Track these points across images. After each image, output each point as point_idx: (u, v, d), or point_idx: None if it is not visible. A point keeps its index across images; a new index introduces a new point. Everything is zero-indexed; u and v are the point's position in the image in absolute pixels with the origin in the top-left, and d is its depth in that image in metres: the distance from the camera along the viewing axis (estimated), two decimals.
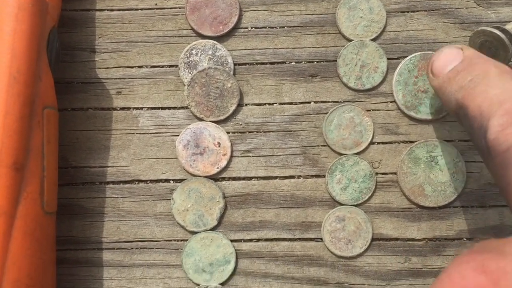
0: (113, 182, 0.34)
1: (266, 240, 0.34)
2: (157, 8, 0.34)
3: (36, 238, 0.29)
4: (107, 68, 0.34)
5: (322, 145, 0.34)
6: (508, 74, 0.28)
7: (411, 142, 0.34)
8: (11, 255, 0.27)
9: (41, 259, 0.29)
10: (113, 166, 0.34)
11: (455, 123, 0.34)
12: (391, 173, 0.34)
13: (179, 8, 0.34)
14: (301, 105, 0.35)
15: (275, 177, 0.34)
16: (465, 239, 0.34)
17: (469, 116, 0.27)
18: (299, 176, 0.34)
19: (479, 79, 0.28)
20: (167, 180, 0.34)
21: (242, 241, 0.34)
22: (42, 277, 0.29)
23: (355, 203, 0.34)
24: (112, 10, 0.34)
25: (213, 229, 0.34)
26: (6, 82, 0.27)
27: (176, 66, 0.34)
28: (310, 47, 0.35)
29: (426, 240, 0.34)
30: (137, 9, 0.34)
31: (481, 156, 0.28)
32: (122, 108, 0.34)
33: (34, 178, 0.29)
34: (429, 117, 0.34)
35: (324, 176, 0.34)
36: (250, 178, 0.34)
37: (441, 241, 0.34)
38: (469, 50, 0.30)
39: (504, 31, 0.32)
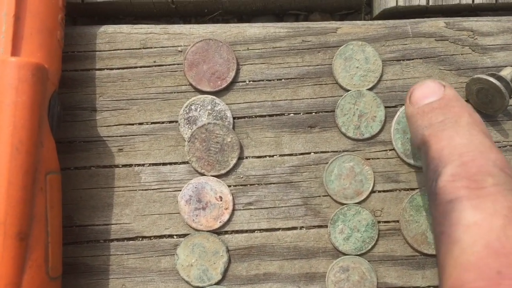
0: (117, 240, 0.34)
1: None
2: (155, 65, 0.35)
3: None
4: (108, 126, 0.35)
5: (323, 195, 0.35)
6: (478, 126, 0.28)
7: (412, 189, 0.35)
8: None
9: None
10: (116, 224, 0.34)
11: None
12: (394, 221, 0.34)
13: (178, 64, 0.35)
14: (301, 156, 0.35)
15: (278, 229, 0.34)
16: None
17: (428, 155, 0.28)
18: (301, 227, 0.34)
19: (450, 123, 0.28)
20: (170, 236, 0.34)
21: None
22: None
23: (358, 253, 0.34)
24: (111, 69, 0.35)
25: (218, 283, 0.34)
26: (9, 154, 0.28)
27: (176, 121, 0.35)
28: (308, 98, 0.35)
29: (431, 287, 0.34)
30: (136, 67, 0.35)
31: (428, 197, 0.28)
32: (124, 165, 0.35)
33: (38, 245, 0.29)
34: None
35: (326, 226, 0.34)
36: (253, 231, 0.34)
37: None
38: (450, 90, 0.30)
39: (500, 78, 0.33)
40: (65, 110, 0.35)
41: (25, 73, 0.28)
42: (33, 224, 0.29)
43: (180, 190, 0.34)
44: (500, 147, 0.35)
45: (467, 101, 0.35)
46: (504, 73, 0.33)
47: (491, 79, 0.32)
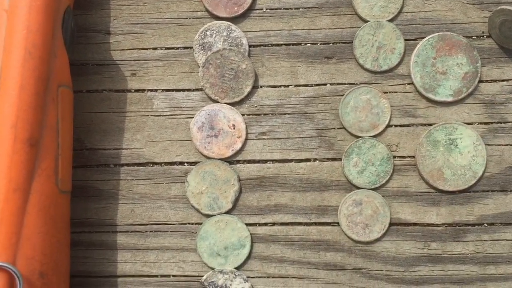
0: (127, 165, 0.34)
1: (282, 224, 0.34)
2: None
3: (51, 216, 0.28)
4: (122, 50, 0.34)
5: (338, 128, 0.34)
6: None
7: (430, 125, 0.34)
8: (26, 230, 0.27)
9: (56, 238, 0.29)
10: (127, 148, 0.34)
11: (475, 105, 0.34)
12: (409, 157, 0.34)
13: None
14: (317, 87, 0.34)
15: (291, 160, 0.34)
16: (485, 225, 0.33)
17: None
18: (315, 159, 0.34)
19: None
20: (181, 163, 0.34)
21: (257, 225, 0.34)
22: (56, 256, 0.29)
23: (372, 187, 0.33)
24: None
25: (228, 212, 0.33)
26: (22, 57, 0.27)
27: (191, 47, 0.34)
28: (325, 29, 0.34)
29: (446, 225, 0.33)
30: None
31: None
32: (137, 90, 0.34)
33: (48, 155, 0.28)
34: (448, 99, 0.34)
35: (340, 159, 0.34)
36: (265, 161, 0.34)
37: (461, 227, 0.33)
38: None
39: None
40: (79, 32, 0.34)
41: None
42: (44, 132, 0.28)
43: (193, 117, 0.34)
44: None
45: (489, 36, 0.34)
46: None
47: None
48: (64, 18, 0.30)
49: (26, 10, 0.27)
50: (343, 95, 0.34)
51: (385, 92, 0.34)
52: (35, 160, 0.28)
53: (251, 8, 0.34)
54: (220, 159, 0.34)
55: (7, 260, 0.26)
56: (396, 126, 0.34)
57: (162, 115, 0.34)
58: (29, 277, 0.27)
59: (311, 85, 0.34)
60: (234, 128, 0.34)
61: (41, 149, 0.28)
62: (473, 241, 0.33)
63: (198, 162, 0.34)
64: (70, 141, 0.30)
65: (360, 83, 0.34)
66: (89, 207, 0.34)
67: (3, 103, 0.27)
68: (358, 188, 0.33)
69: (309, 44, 0.34)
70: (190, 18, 0.34)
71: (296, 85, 0.34)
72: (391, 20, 0.34)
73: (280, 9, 0.34)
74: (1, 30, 0.28)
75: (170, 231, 0.34)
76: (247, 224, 0.33)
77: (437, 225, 0.33)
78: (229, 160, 0.34)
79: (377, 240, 0.33)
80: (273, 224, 0.34)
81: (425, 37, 0.34)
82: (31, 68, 0.27)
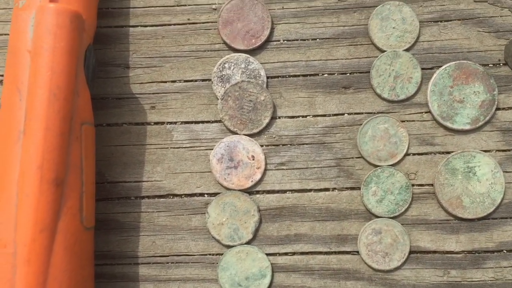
0: (148, 197, 0.34)
1: (302, 253, 0.34)
2: (189, 23, 0.35)
3: (76, 253, 0.29)
4: (141, 83, 0.35)
5: (356, 157, 0.34)
6: None
7: (448, 153, 0.34)
8: (52, 270, 0.27)
9: (81, 275, 0.29)
10: (148, 181, 0.34)
11: (492, 133, 0.34)
12: (428, 185, 0.34)
13: (212, 22, 0.35)
14: (335, 117, 0.34)
15: (310, 190, 0.34)
16: (505, 251, 0.33)
17: None
18: (334, 189, 0.34)
19: None
20: (201, 194, 0.34)
21: (278, 254, 0.34)
22: None
23: (391, 216, 0.34)
24: (145, 26, 0.35)
25: (248, 242, 0.34)
26: (46, 99, 0.28)
27: (209, 80, 0.35)
28: (342, 59, 0.34)
29: (465, 252, 0.33)
30: (170, 25, 0.35)
31: None
32: (156, 123, 0.35)
33: (73, 193, 0.29)
34: (466, 127, 0.34)
35: (359, 188, 0.34)
36: (285, 191, 0.34)
37: (480, 254, 0.33)
38: None
39: None
40: (98, 67, 0.35)
41: (63, 19, 0.28)
42: (69, 172, 0.29)
43: (212, 149, 0.34)
44: None
45: (505, 64, 0.34)
46: None
47: None
48: (86, 56, 0.30)
49: (50, 51, 0.28)
50: (361, 124, 0.34)
51: (403, 121, 0.34)
52: (60, 200, 0.28)
53: (268, 40, 0.35)
54: (240, 190, 0.34)
55: None
56: (414, 154, 0.34)
57: (182, 147, 0.34)
58: None
59: (329, 115, 0.34)
60: (253, 159, 0.34)
61: (66, 188, 0.28)
62: (493, 268, 0.33)
63: (218, 193, 0.34)
64: (93, 177, 0.31)
65: (378, 113, 0.34)
66: (111, 240, 0.34)
67: (29, 144, 0.28)
68: (377, 217, 0.34)
69: (326, 75, 0.34)
70: (208, 51, 0.35)
71: (314, 115, 0.34)
72: (407, 50, 0.34)
73: (297, 40, 0.35)
74: (24, 71, 0.29)
75: (191, 262, 0.34)
76: (267, 254, 0.34)
77: (457, 253, 0.33)
78: (249, 191, 0.34)
79: (397, 268, 0.33)
80: (293, 253, 0.34)
81: (441, 66, 0.34)
82: (56, 109, 0.28)
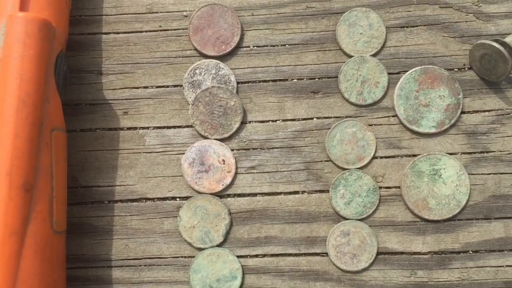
0: (121, 201, 0.35)
1: (272, 255, 0.35)
2: (161, 30, 0.35)
3: (47, 257, 0.29)
4: (114, 89, 0.35)
5: (325, 160, 0.35)
6: None
7: (414, 155, 0.35)
8: (22, 273, 0.28)
9: (51, 278, 0.30)
10: (121, 185, 0.35)
11: (458, 136, 0.35)
12: (395, 187, 0.35)
13: (183, 29, 0.35)
14: (304, 121, 0.35)
15: (280, 193, 0.35)
16: (470, 252, 0.34)
17: None
18: (303, 192, 0.35)
19: None
20: (173, 198, 0.35)
21: (248, 256, 0.35)
22: None
23: (359, 218, 0.34)
24: (118, 33, 0.35)
25: (220, 245, 0.34)
26: (15, 106, 0.28)
27: (181, 85, 0.35)
28: (311, 64, 0.35)
29: (432, 253, 0.34)
30: (141, 31, 0.35)
31: None
32: (129, 128, 0.35)
33: (43, 198, 0.29)
34: (431, 130, 0.35)
35: (328, 191, 0.35)
36: (255, 195, 0.35)
37: (446, 254, 0.34)
38: None
39: (504, 44, 0.33)
40: (71, 73, 0.35)
41: (32, 27, 0.29)
42: (39, 177, 0.29)
43: (184, 153, 0.35)
44: (502, 114, 0.35)
45: (470, 68, 0.35)
46: (508, 39, 0.33)
47: (495, 44, 0.32)
48: (57, 62, 0.31)
49: (19, 59, 0.29)
50: (329, 128, 0.35)
51: (370, 125, 0.35)
52: (30, 204, 0.29)
53: (238, 46, 0.35)
54: (211, 193, 0.35)
55: None
56: (381, 157, 0.35)
57: (154, 152, 0.35)
58: None
59: (298, 119, 0.35)
60: (224, 163, 0.35)
61: (35, 193, 0.29)
62: (459, 268, 0.34)
63: (190, 197, 0.35)
64: (64, 182, 0.31)
65: (346, 117, 0.35)
66: (84, 243, 0.35)
67: None
68: (346, 219, 0.34)
69: (295, 80, 0.35)
70: (179, 57, 0.35)
71: (283, 120, 0.35)
72: (374, 55, 0.35)
73: (266, 46, 0.35)
74: None
75: (164, 265, 0.34)
76: (238, 256, 0.34)
77: (423, 253, 0.34)
78: (220, 195, 0.35)
79: (365, 269, 0.34)
80: (264, 255, 0.35)
81: (407, 71, 0.35)
82: (24, 116, 0.28)
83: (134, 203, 0.35)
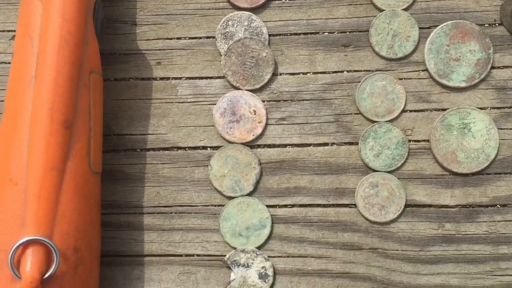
0: (153, 149, 0.35)
1: (301, 206, 0.35)
2: None
3: (84, 194, 0.30)
4: (148, 40, 0.36)
5: (355, 113, 0.35)
6: None
7: (443, 109, 0.35)
8: (61, 207, 0.29)
9: (89, 215, 0.30)
10: (153, 134, 0.35)
11: (487, 90, 0.35)
12: (424, 141, 0.35)
13: None
14: (334, 74, 0.35)
15: (309, 145, 0.35)
16: (498, 206, 0.34)
17: None
18: (332, 144, 0.35)
19: None
20: (204, 147, 0.35)
21: (277, 206, 0.35)
22: (89, 233, 0.30)
23: (388, 170, 0.35)
24: None
25: (249, 194, 0.35)
26: (57, 44, 0.29)
27: (213, 37, 0.36)
28: (342, 18, 0.36)
29: (460, 206, 0.34)
30: None
31: None
32: (162, 78, 0.36)
33: (82, 137, 0.30)
34: (462, 85, 0.35)
35: (357, 143, 0.35)
36: (285, 146, 0.35)
37: (474, 208, 0.34)
38: None
39: None
40: (107, 23, 0.36)
41: None
42: (78, 117, 0.30)
43: (215, 104, 0.35)
44: None
45: (500, 24, 0.35)
46: None
47: None
48: (95, 8, 0.32)
49: (61, 0, 0.29)
50: (359, 81, 0.35)
51: (400, 79, 0.35)
52: (69, 142, 0.29)
53: None
54: (242, 143, 0.35)
55: (45, 235, 0.28)
56: (411, 111, 0.35)
57: (186, 102, 0.36)
58: (65, 251, 0.29)
59: (329, 73, 0.35)
60: (255, 114, 0.35)
61: (75, 131, 0.30)
62: (486, 221, 0.34)
63: (221, 146, 0.35)
64: (101, 125, 0.32)
65: (376, 70, 0.35)
66: (117, 190, 0.35)
67: (40, 87, 0.29)
68: (375, 171, 0.35)
69: (326, 33, 0.36)
70: (212, 9, 0.36)
71: (314, 73, 0.35)
72: (406, 9, 0.35)
73: None
74: (36, 19, 0.30)
75: (194, 213, 0.35)
76: (267, 206, 0.35)
77: (451, 207, 0.34)
78: (250, 145, 0.35)
79: (393, 221, 0.35)
80: (293, 205, 0.35)
81: (438, 25, 0.35)
82: (66, 54, 0.29)
83: (166, 151, 0.35)
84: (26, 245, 0.28)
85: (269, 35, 0.35)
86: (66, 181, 0.29)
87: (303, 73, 0.36)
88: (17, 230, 0.28)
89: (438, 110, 0.35)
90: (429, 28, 0.35)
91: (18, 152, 0.29)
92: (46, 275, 0.28)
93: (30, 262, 0.27)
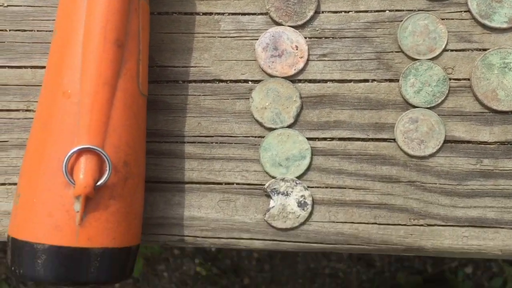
0: (195, 81, 0.36)
1: (340, 139, 0.35)
2: None
3: (134, 113, 0.31)
4: None
5: (396, 51, 0.36)
6: None
7: (484, 50, 0.35)
8: (113, 122, 0.29)
9: (137, 134, 0.31)
10: (195, 66, 0.36)
11: None
12: (464, 79, 0.35)
13: None
14: (376, 13, 0.36)
15: (350, 81, 0.36)
16: None
17: None
18: (373, 80, 0.36)
19: None
20: (246, 81, 0.36)
21: (317, 139, 0.36)
22: (137, 149, 0.31)
23: (428, 106, 0.35)
24: None
25: (290, 126, 0.35)
26: None
27: None
28: None
29: (498, 143, 0.35)
30: None
31: None
32: (205, 13, 0.36)
33: (132, 58, 0.31)
34: (503, 25, 0.35)
35: (397, 80, 0.35)
36: (326, 81, 0.36)
37: None
38: None
39: None
40: None
41: None
42: (128, 37, 0.31)
43: (257, 39, 0.36)
44: None
45: None
46: None
47: None
48: None
49: None
50: (401, 21, 0.35)
51: (442, 19, 0.35)
52: (121, 61, 0.30)
53: None
54: (283, 77, 0.36)
55: (97, 145, 0.29)
56: (452, 50, 0.35)
57: (229, 37, 0.36)
58: (115, 164, 0.29)
59: (371, 11, 0.36)
60: (297, 49, 0.36)
61: (125, 51, 0.30)
62: None
63: (262, 80, 0.36)
64: (147, 50, 0.33)
65: (418, 10, 0.36)
66: (159, 119, 0.36)
67: (94, 7, 0.30)
68: (414, 107, 0.35)
69: None
70: None
71: (356, 11, 0.36)
72: None
73: None
74: None
75: (235, 143, 0.36)
76: (307, 139, 0.35)
77: (490, 143, 0.35)
78: (292, 79, 0.36)
79: (432, 155, 0.35)
80: (332, 139, 0.36)
81: None
82: None
83: (208, 84, 0.36)
84: (79, 153, 0.28)
85: None
86: (117, 98, 0.30)
87: (345, 12, 0.36)
88: (71, 140, 0.29)
89: (479, 50, 0.35)
90: None
91: (71, 68, 0.29)
92: (99, 183, 0.28)
93: (84, 169, 0.28)
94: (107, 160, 0.29)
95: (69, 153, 0.28)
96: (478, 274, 0.82)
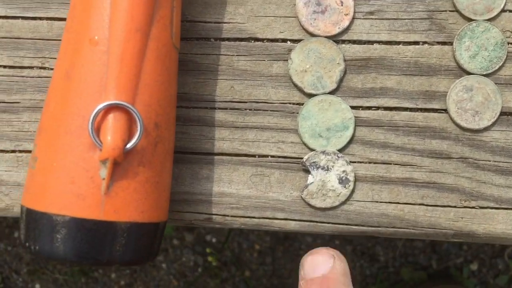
0: (228, 39, 0.32)
1: (386, 108, 0.32)
2: None
3: (167, 67, 0.27)
4: None
5: (450, 10, 0.32)
6: None
7: None
8: (144, 76, 0.26)
9: (169, 91, 0.27)
10: (229, 22, 0.32)
11: None
12: None
13: None
14: None
15: (399, 42, 0.32)
16: None
17: None
18: (424, 42, 0.32)
19: None
20: (284, 40, 0.32)
21: (361, 108, 0.32)
22: (169, 111, 0.27)
23: (484, 73, 0.32)
24: None
25: (332, 92, 0.32)
26: None
27: None
28: None
29: None
30: None
31: None
32: None
33: (165, 4, 0.27)
34: None
35: (451, 43, 0.32)
36: (372, 42, 0.32)
37: None
38: (340, 263, 0.27)
39: None
40: None
41: None
42: None
43: None
44: None
45: None
46: None
47: None
48: None
49: None
50: None
51: None
52: (154, 5, 0.26)
53: None
54: (326, 36, 0.32)
55: (128, 101, 0.25)
56: (511, 11, 0.32)
57: None
58: (146, 125, 0.26)
59: None
60: (341, 5, 0.32)
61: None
62: None
63: (302, 39, 0.32)
64: (181, 1, 0.29)
65: None
66: (187, 82, 0.32)
67: None
68: (469, 73, 0.32)
69: None
70: None
71: None
72: None
73: None
74: None
75: (271, 110, 0.32)
76: (350, 107, 0.32)
77: None
78: (335, 39, 0.32)
79: (486, 128, 0.32)
80: (378, 108, 0.32)
81: None
82: None
83: (243, 42, 0.32)
84: (107, 110, 0.25)
85: None
86: (150, 48, 0.26)
87: None
88: (97, 95, 0.25)
89: None
90: None
91: (99, 10, 0.25)
92: (128, 145, 0.25)
93: (113, 129, 0.24)
94: (139, 119, 0.25)
95: (96, 110, 0.24)
96: (483, 271, 0.80)
